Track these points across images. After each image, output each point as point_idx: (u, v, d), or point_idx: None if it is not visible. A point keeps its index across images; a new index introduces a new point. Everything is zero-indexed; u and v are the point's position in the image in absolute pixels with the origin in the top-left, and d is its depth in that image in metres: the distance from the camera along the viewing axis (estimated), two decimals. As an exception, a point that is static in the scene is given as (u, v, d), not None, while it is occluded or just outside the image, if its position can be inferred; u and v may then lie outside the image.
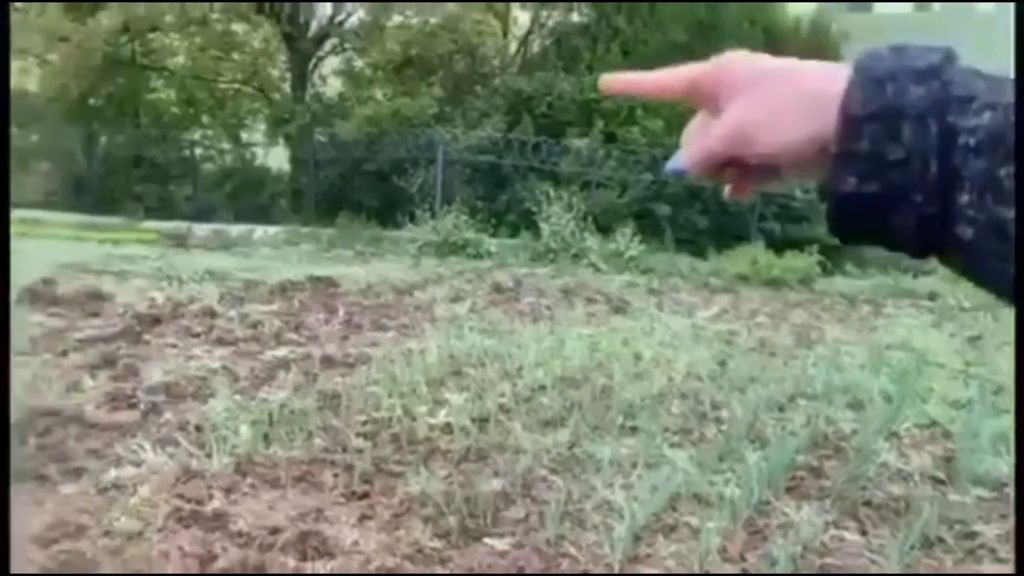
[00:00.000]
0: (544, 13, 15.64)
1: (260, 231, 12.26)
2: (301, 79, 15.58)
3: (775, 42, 13.17)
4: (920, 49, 0.50)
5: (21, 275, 7.12)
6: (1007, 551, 3.10)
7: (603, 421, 4.24)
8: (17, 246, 8.61)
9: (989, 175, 0.46)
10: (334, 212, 13.13)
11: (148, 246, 10.72)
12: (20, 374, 4.50)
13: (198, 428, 3.77)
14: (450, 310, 7.15)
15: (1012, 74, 0.49)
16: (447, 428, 4.01)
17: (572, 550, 2.92)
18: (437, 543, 2.90)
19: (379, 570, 2.70)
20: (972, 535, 3.27)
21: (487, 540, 2.95)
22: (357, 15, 15.47)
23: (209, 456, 3.46)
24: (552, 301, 8.03)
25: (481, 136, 13.14)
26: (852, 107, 0.49)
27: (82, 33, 13.78)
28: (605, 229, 11.38)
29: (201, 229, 12.28)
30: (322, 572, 2.67)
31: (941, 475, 3.88)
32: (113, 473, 3.29)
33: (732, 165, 0.56)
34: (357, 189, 13.99)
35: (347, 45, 15.71)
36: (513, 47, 16.21)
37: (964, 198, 0.47)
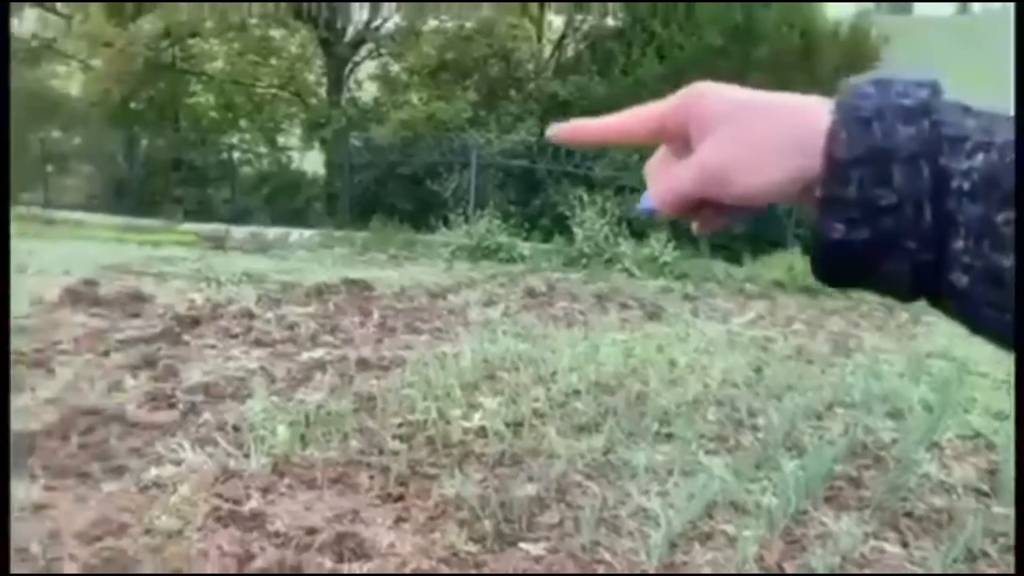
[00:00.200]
0: (579, 17, 15.64)
1: (296, 234, 12.39)
2: (337, 84, 15.74)
3: (813, 46, 13.04)
4: (906, 84, 0.47)
5: (63, 276, 7.27)
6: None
7: (638, 427, 4.21)
8: (60, 247, 8.81)
9: (985, 221, 0.43)
10: (368, 215, 13.24)
11: (187, 248, 10.89)
12: (63, 373, 4.60)
13: (236, 428, 3.81)
14: (483, 314, 7.16)
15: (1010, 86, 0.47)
16: (481, 432, 4.02)
17: (607, 556, 2.90)
18: (472, 547, 2.90)
19: (415, 572, 2.71)
20: (1017, 549, 3.20)
21: (522, 545, 2.94)
22: (393, 20, 15.60)
23: (247, 456, 3.49)
24: (586, 306, 8.01)
25: (515, 140, 13.17)
26: (838, 149, 0.46)
27: (124, 38, 14.06)
28: (639, 234, 11.34)
29: (239, 231, 12.45)
30: (358, 573, 2.69)
31: (985, 487, 3.80)
32: (154, 472, 3.33)
33: (706, 204, 0.51)
34: (391, 193, 14.09)
35: (383, 50, 15.85)
36: (548, 51, 16.22)
37: (959, 244, 0.44)
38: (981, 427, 4.63)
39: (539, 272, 10.40)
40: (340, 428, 3.88)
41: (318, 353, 5.35)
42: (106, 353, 5.03)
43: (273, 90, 16.40)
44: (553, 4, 16.16)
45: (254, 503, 3.12)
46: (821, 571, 2.85)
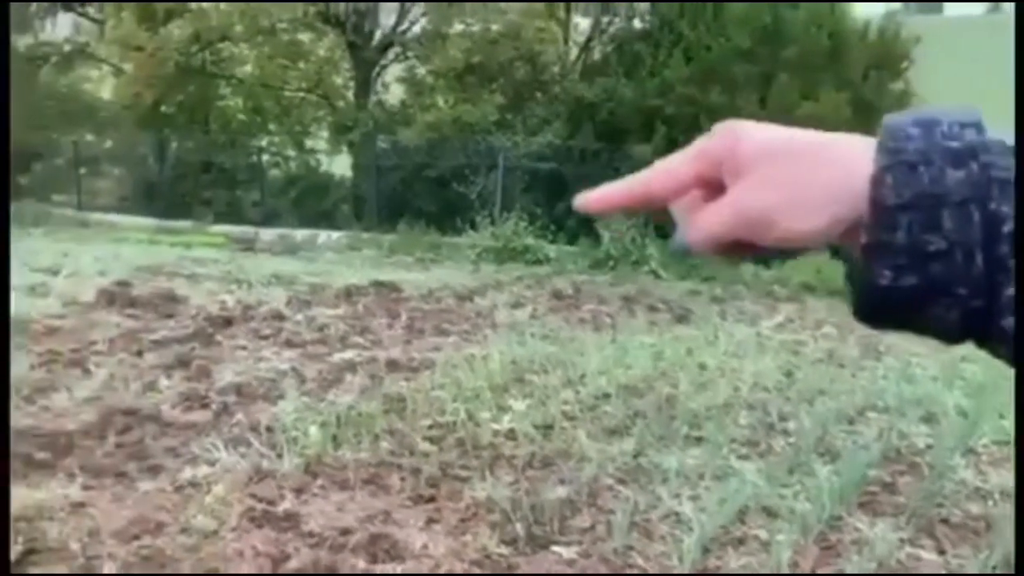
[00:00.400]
0: (605, 19, 15.61)
1: (324, 236, 12.49)
2: (364, 87, 15.83)
3: (841, 47, 12.90)
4: (951, 124, 0.45)
5: (98, 278, 7.37)
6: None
7: (668, 431, 4.19)
8: (94, 249, 8.91)
9: None
10: (395, 218, 13.31)
11: (217, 249, 11.00)
12: (99, 373, 4.66)
13: (269, 429, 3.84)
14: (510, 316, 7.17)
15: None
16: (511, 434, 4.02)
17: (640, 561, 2.89)
18: (504, 549, 2.91)
19: (449, 573, 2.72)
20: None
21: (554, 548, 2.94)
22: (420, 23, 15.67)
23: (280, 456, 3.53)
24: (613, 308, 7.99)
25: (541, 143, 13.17)
26: (884, 195, 0.44)
27: (155, 43, 14.24)
28: (666, 236, 11.27)
29: (267, 233, 12.57)
30: (392, 574, 2.71)
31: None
32: (189, 471, 3.38)
33: (741, 243, 0.50)
34: (418, 195, 14.15)
35: (410, 53, 15.92)
36: (574, 53, 16.20)
37: (1011, 290, 0.43)
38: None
39: (565, 274, 10.39)
40: (371, 429, 3.91)
41: (348, 354, 5.39)
42: (140, 353, 5.10)
43: (301, 93, 16.54)
44: (580, 6, 16.14)
45: (288, 504, 3.15)
46: (856, 577, 2.83)
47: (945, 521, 3.40)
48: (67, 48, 16.59)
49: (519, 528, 3.02)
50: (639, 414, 4.41)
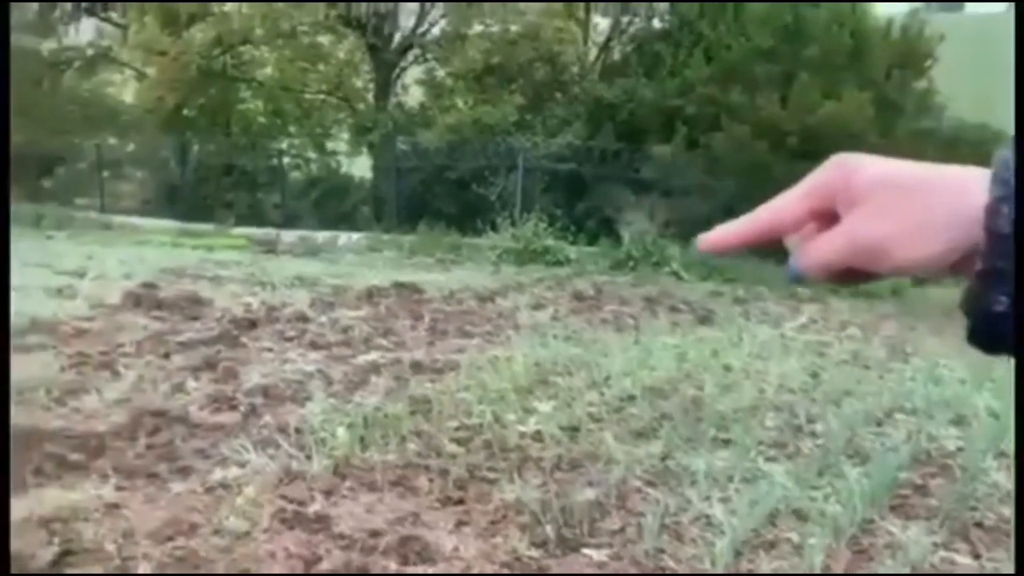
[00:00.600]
0: (625, 19, 15.57)
1: (344, 238, 12.54)
2: (384, 89, 15.88)
3: (863, 45, 12.79)
4: None
5: (124, 280, 7.44)
6: None
7: (695, 433, 4.18)
8: (118, 252, 8.99)
9: None
10: (415, 219, 13.33)
11: (239, 252, 11.07)
12: (127, 375, 4.70)
13: (297, 430, 3.86)
14: (532, 318, 7.17)
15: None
16: (538, 436, 4.02)
17: (671, 563, 2.88)
18: (535, 552, 2.90)
19: (481, 574, 2.72)
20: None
21: (585, 550, 2.94)
22: (439, 25, 15.70)
23: (309, 458, 3.54)
24: (635, 310, 7.96)
25: (561, 143, 13.16)
26: (1000, 224, 0.47)
27: (178, 47, 14.36)
28: (687, 236, 11.24)
29: (288, 235, 12.63)
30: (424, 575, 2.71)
31: (1056, 497, 3.70)
32: (219, 473, 3.40)
33: (853, 271, 0.52)
34: (438, 196, 14.17)
35: (429, 55, 15.95)
36: (593, 54, 16.17)
37: None
38: (1050, 435, 4.50)
39: (586, 275, 10.37)
40: (397, 431, 3.91)
41: (372, 356, 5.41)
42: (167, 355, 5.14)
43: (321, 96, 16.60)
44: (599, 6, 16.11)
45: (318, 505, 3.16)
46: (890, 581, 2.80)
47: (979, 524, 3.37)
48: (90, 52, 16.74)
49: (549, 530, 3.02)
50: (665, 416, 4.39)
